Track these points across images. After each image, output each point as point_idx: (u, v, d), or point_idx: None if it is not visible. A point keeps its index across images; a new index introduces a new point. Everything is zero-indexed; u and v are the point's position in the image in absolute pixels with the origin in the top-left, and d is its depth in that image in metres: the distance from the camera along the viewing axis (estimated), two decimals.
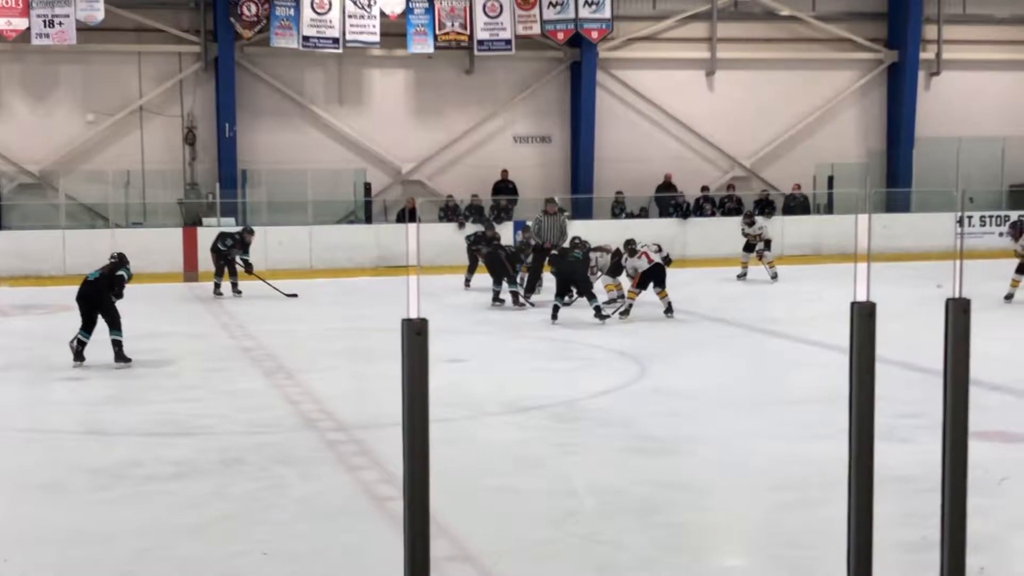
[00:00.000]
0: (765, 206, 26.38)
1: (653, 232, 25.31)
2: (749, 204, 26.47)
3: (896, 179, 28.17)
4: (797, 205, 27.08)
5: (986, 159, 28.10)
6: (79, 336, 13.02)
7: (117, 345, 12.92)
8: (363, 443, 9.21)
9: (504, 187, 26.73)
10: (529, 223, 20.39)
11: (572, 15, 26.32)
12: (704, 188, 27.38)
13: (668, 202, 26.96)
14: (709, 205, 27.16)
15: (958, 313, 2.62)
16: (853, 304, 2.64)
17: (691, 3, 27.85)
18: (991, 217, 26.94)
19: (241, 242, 20.07)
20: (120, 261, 13.44)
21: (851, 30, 28.49)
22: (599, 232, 25.50)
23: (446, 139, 27.03)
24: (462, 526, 6.83)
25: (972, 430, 9.72)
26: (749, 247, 21.79)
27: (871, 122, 28.93)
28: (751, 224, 21.85)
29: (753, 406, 10.81)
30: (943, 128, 28.31)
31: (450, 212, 25.92)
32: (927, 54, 28.80)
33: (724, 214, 26.73)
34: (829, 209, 27.36)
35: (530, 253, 19.27)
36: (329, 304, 19.75)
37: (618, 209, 26.78)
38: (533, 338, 15.50)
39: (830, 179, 27.62)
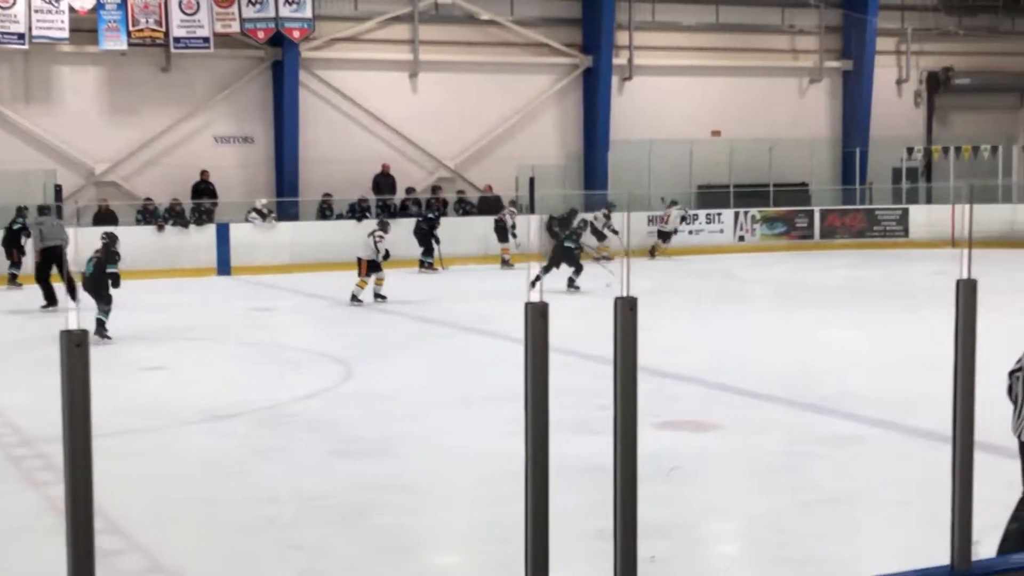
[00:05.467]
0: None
1: (361, 234, 25.33)
2: (452, 205, 26.85)
3: (593, 180, 29.18)
4: (490, 204, 27.53)
5: (676, 160, 29.46)
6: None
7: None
8: (49, 457, 8.77)
9: (204, 188, 26.07)
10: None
11: (272, 14, 25.94)
12: (410, 189, 27.54)
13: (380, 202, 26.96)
14: (415, 206, 27.32)
15: (625, 311, 2.71)
16: (527, 305, 2.68)
17: (393, 5, 27.96)
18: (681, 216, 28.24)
19: None
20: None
21: (548, 35, 29.32)
22: (307, 234, 25.30)
23: (142, 139, 26.12)
24: (156, 539, 6.61)
25: (663, 420, 10.17)
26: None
27: (569, 125, 29.85)
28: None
29: (461, 404, 10.95)
30: (636, 131, 29.49)
31: (149, 215, 25.06)
32: (620, 59, 29.95)
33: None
34: (531, 209, 28.04)
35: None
36: (19, 312, 18.71)
37: (328, 211, 26.59)
38: (236, 343, 15.19)
39: (531, 180, 28.34)
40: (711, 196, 29.40)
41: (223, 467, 8.62)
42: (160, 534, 6.72)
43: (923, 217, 28.38)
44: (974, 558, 3.08)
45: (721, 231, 28.01)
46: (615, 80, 29.81)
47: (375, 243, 18.55)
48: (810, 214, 29.04)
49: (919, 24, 32.93)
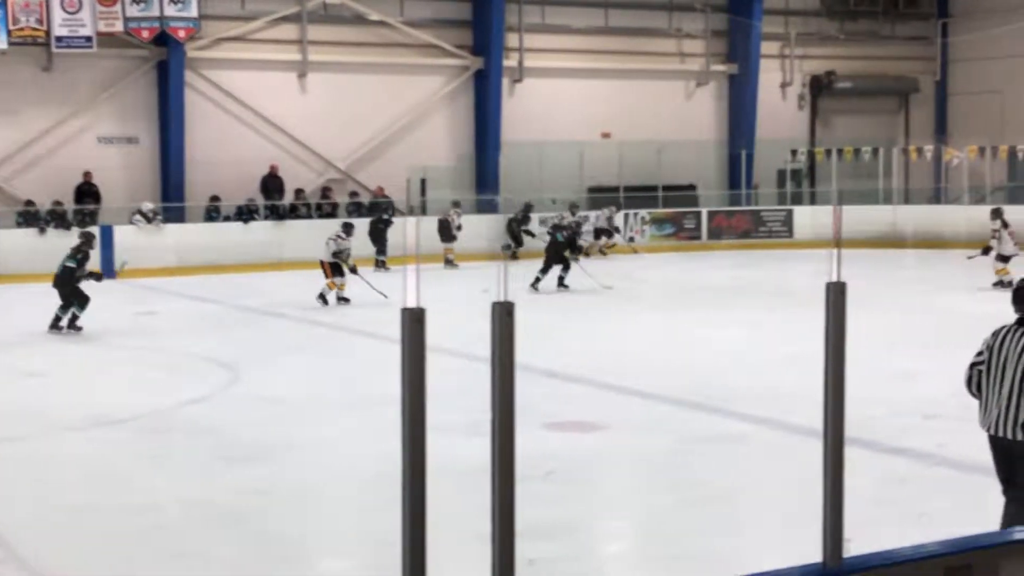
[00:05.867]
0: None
1: (249, 236, 25.05)
2: (343, 208, 26.69)
3: (484, 182, 29.22)
4: (381, 207, 27.38)
5: (567, 162, 29.62)
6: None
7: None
8: None
9: (87, 190, 25.51)
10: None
11: (157, 13, 25.49)
12: (299, 191, 27.28)
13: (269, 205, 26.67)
14: (305, 208, 27.09)
15: (503, 316, 2.72)
16: (404, 310, 2.68)
17: (281, 5, 27.66)
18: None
19: None
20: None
21: (438, 37, 29.26)
22: (194, 237, 24.92)
23: (23, 140, 25.46)
24: (34, 549, 6.46)
25: (553, 421, 10.21)
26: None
27: (460, 126, 29.83)
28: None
29: (349, 407, 10.87)
30: (527, 133, 29.58)
31: (30, 218, 24.45)
32: (510, 61, 30.03)
33: (321, 217, 26.73)
34: (423, 211, 27.96)
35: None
36: None
37: (215, 213, 26.21)
38: (120, 348, 14.90)
39: (423, 182, 28.26)
40: (601, 198, 29.63)
41: (105, 474, 8.45)
42: (41, 544, 6.58)
43: (807, 218, 28.95)
44: (846, 555, 3.15)
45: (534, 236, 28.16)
46: (506, 82, 29.89)
47: (333, 244, 18.52)
48: (697, 215, 29.44)
49: (802, 29, 33.60)
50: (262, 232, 25.45)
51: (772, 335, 14.93)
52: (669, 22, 31.86)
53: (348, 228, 19.23)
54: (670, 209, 29.12)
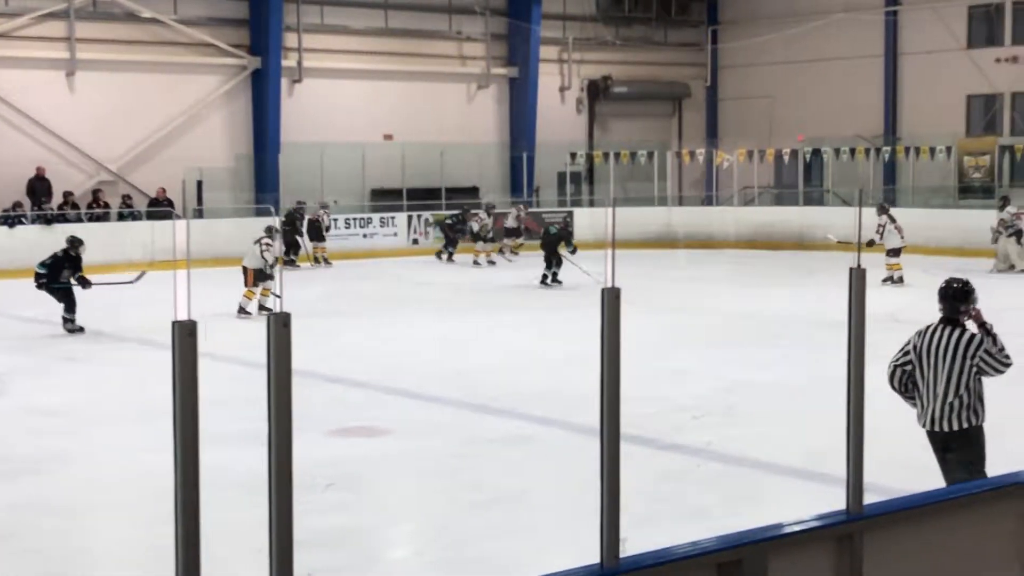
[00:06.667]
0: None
1: (15, 241, 23.94)
2: (115, 209, 25.82)
3: (264, 183, 28.71)
4: (163, 211, 26.70)
5: (349, 163, 29.40)
6: None
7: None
8: None
9: None
10: None
11: None
12: (68, 194, 26.21)
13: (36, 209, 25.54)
14: (74, 211, 26.08)
15: (278, 327, 2.66)
16: (174, 323, 2.59)
17: (47, 1, 26.53)
18: (355, 219, 28.20)
19: None
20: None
21: (214, 35, 28.60)
22: None
23: None
24: None
25: (337, 427, 10.09)
26: None
27: (238, 127, 29.23)
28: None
29: (130, 419, 10.48)
30: (308, 134, 29.22)
31: None
32: (289, 61, 29.60)
33: (91, 220, 25.77)
34: (199, 214, 27.30)
35: None
36: None
37: None
38: None
39: (199, 183, 27.59)
40: (384, 199, 29.55)
41: None
42: None
43: (586, 220, 29.53)
44: (623, 555, 3.21)
45: (395, 234, 28.18)
46: (285, 82, 29.47)
47: (262, 252, 17.32)
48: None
49: (579, 34, 34.28)
50: (29, 237, 24.32)
51: (556, 335, 15.16)
52: (449, 25, 32.03)
53: (272, 233, 18.22)
54: (454, 211, 29.24)
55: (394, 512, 8.09)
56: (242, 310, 17.14)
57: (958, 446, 6.45)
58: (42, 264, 16.15)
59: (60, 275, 15.97)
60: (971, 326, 6.54)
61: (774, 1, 34.45)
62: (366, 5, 30.81)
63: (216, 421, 9.01)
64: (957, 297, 6.54)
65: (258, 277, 17.29)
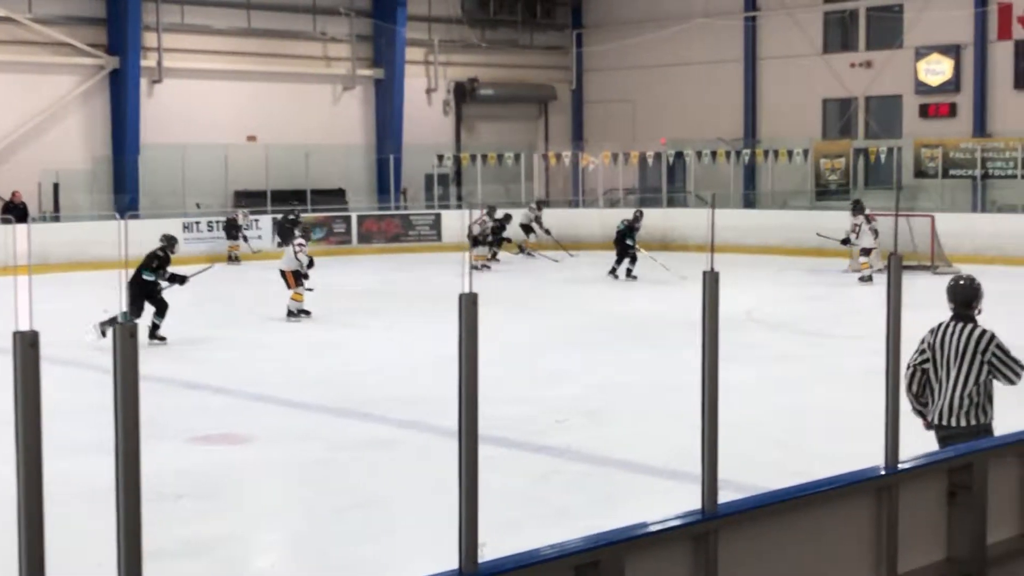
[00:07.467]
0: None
1: None
2: None
3: (123, 185, 28.04)
4: (17, 213, 25.90)
5: (211, 165, 28.88)
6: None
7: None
8: None
9: None
10: None
11: None
12: None
13: None
14: None
15: (124, 338, 2.59)
16: (15, 334, 2.50)
17: None
18: (217, 222, 27.65)
19: None
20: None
21: (71, 35, 27.86)
22: None
23: None
24: None
25: (197, 435, 9.89)
26: None
27: (96, 128, 28.50)
28: None
29: None
30: (169, 135, 28.62)
31: None
32: (148, 61, 28.97)
33: None
34: (56, 217, 26.58)
35: None
36: None
37: None
38: None
39: (55, 186, 26.86)
40: (249, 201, 29.11)
41: None
42: None
43: (455, 221, 29.53)
44: (482, 560, 3.21)
45: (259, 237, 27.78)
46: (144, 82, 28.86)
47: (295, 253, 17.06)
48: (348, 219, 29.42)
49: (445, 36, 34.27)
50: None
51: (421, 338, 15.11)
52: (314, 25, 31.75)
53: (307, 234, 18.14)
54: (319, 214, 28.96)
55: (257, 519, 7.98)
56: (292, 312, 17.06)
57: (964, 443, 6.53)
58: (148, 270, 14.66)
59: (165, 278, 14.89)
60: (981, 320, 6.56)
61: (637, 6, 34.91)
62: (228, 5, 30.36)
63: (69, 428, 8.79)
64: (967, 294, 6.57)
65: (297, 277, 17.16)
